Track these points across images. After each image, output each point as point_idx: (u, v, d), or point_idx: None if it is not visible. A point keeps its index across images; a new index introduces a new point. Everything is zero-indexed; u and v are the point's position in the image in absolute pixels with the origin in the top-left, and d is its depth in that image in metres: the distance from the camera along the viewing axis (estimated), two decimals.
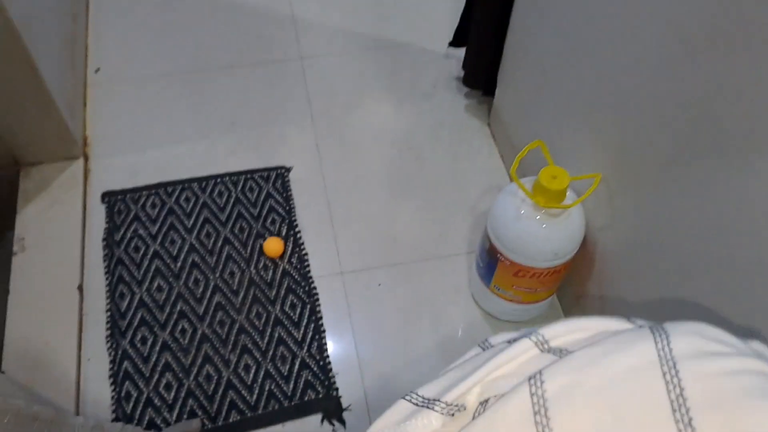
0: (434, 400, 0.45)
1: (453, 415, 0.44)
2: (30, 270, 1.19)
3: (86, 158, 1.35)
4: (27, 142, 1.28)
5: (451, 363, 0.52)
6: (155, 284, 1.19)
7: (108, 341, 1.13)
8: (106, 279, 1.20)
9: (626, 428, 0.38)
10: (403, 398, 0.47)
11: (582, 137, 1.02)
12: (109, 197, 1.29)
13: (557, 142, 1.09)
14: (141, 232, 1.25)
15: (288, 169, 1.35)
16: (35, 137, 1.28)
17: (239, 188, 1.32)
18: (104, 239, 1.24)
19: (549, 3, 1.04)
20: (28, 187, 1.29)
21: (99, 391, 1.08)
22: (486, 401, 0.43)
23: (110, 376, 1.09)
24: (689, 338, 0.41)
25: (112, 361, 1.11)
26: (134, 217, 1.27)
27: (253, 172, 1.34)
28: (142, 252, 1.23)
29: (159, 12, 1.62)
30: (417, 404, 0.45)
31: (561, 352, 0.44)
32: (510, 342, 0.48)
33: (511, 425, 0.40)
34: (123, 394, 1.08)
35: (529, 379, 0.42)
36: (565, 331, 0.46)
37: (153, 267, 1.21)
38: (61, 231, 1.24)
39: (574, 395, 0.40)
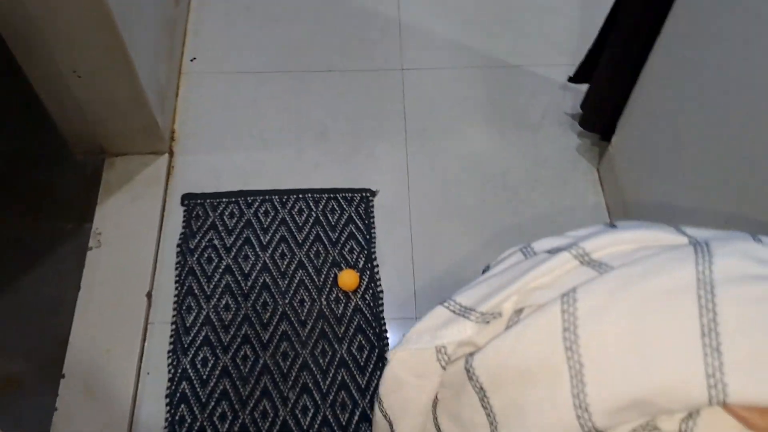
0: (470, 309, 0.45)
1: (488, 322, 0.44)
2: (103, 268, 1.17)
3: (171, 154, 1.31)
4: (114, 132, 1.25)
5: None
6: (223, 302, 1.14)
7: (169, 357, 1.09)
8: (176, 288, 1.16)
9: (652, 352, 0.37)
10: (442, 305, 0.47)
11: (716, 225, 0.88)
12: (188, 200, 1.25)
13: (682, 220, 0.95)
14: (216, 242, 1.20)
15: (373, 193, 1.27)
16: (122, 128, 1.24)
17: (320, 207, 1.24)
18: (179, 245, 1.20)
19: (701, 59, 0.90)
20: (111, 179, 1.27)
21: (154, 410, 1.05)
22: (521, 310, 0.43)
23: (167, 396, 1.06)
24: (733, 260, 0.39)
25: (171, 380, 1.07)
26: (211, 225, 1.22)
27: (337, 191, 1.27)
28: (214, 264, 1.18)
29: (264, 3, 1.55)
30: (454, 311, 0.46)
31: (601, 266, 0.43)
32: (551, 252, 0.46)
33: (539, 340, 0.40)
34: (177, 417, 1.04)
35: (563, 296, 0.41)
36: (608, 243, 0.44)
37: (223, 282, 1.16)
38: (138, 230, 1.21)
39: (605, 316, 0.39)
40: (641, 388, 0.37)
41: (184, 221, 1.23)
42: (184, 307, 1.14)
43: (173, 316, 1.13)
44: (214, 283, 1.16)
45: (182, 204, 1.25)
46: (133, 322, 1.12)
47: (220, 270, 1.17)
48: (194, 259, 1.19)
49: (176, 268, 1.18)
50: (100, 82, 1.13)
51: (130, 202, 1.24)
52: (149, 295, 1.15)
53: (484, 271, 0.52)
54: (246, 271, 1.17)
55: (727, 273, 0.38)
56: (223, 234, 1.21)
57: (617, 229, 0.46)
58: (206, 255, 1.19)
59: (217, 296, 1.15)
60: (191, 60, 1.45)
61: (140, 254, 1.19)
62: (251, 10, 1.53)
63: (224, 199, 1.25)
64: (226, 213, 1.24)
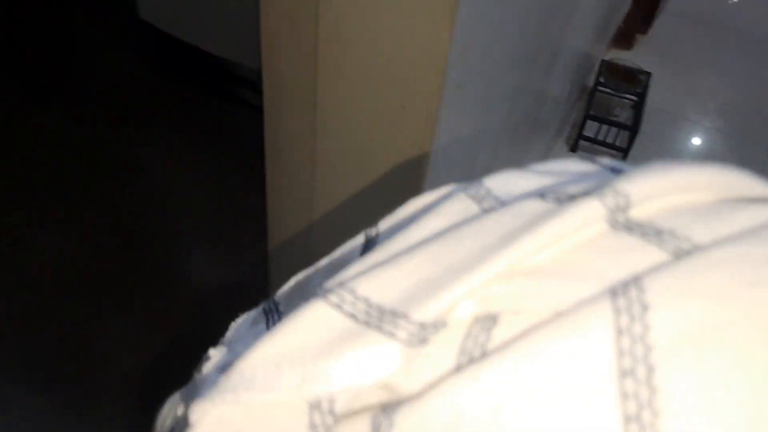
0: (393, 313, 0.20)
1: (425, 341, 0.20)
2: None
3: None
4: None
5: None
6: None
7: None
8: None
9: None
10: (323, 298, 0.21)
11: None
12: None
13: None
14: None
15: None
16: None
17: None
18: None
19: None
20: None
21: None
22: (494, 319, 0.20)
23: None
24: None
25: None
26: None
27: None
28: None
29: None
30: (355, 317, 0.20)
31: (660, 236, 0.20)
32: (546, 197, 0.21)
33: (564, 396, 0.18)
34: None
35: (613, 293, 0.18)
36: (659, 190, 0.20)
37: None
38: None
39: (709, 348, 0.17)
40: None
41: None
42: None
43: None
44: None
45: None
46: None
47: None
48: None
49: None
50: None
51: None
52: None
53: (367, 242, 0.27)
54: None
55: None
56: None
57: (656, 166, 0.22)
58: None
59: None
60: None
61: None
62: None
63: None
64: None
